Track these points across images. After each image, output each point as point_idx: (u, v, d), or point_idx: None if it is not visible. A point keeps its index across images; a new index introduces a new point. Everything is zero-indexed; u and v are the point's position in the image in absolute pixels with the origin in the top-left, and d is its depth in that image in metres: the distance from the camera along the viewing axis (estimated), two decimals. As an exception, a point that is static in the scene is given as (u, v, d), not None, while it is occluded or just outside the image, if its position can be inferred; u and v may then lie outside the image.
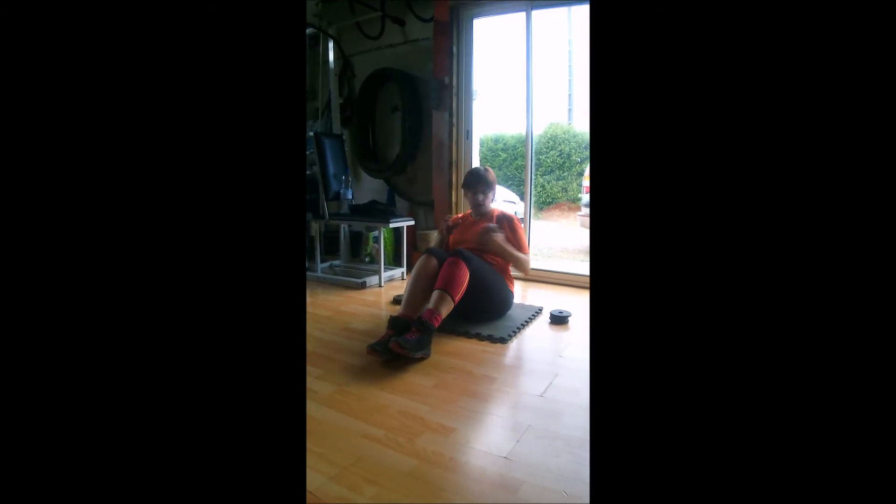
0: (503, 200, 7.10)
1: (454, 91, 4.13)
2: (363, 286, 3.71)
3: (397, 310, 2.49)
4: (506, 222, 2.88)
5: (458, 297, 2.40)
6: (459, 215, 3.16)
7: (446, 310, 2.36)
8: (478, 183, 2.92)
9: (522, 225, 2.92)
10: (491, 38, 8.01)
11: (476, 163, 4.29)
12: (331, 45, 4.65)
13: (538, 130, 10.98)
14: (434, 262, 2.54)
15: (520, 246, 2.83)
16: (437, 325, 2.29)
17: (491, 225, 2.77)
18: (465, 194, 3.02)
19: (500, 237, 2.73)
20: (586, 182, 5.77)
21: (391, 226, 3.78)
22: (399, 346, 2.08)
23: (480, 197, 2.93)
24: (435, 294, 2.38)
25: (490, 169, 2.98)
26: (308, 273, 4.04)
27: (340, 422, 1.66)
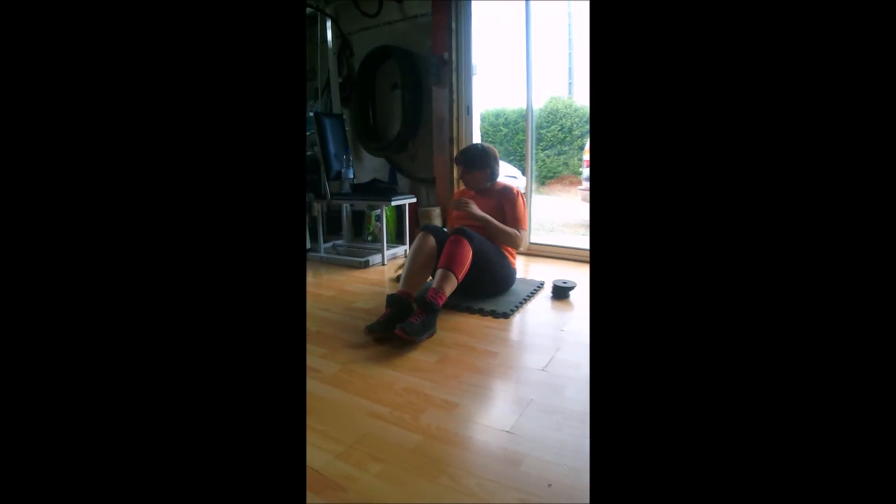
0: (505, 175, 7.10)
1: (454, 67, 4.10)
2: (366, 265, 3.73)
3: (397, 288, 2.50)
4: (504, 196, 2.86)
5: (461, 276, 2.41)
6: (462, 188, 3.15)
7: (450, 288, 2.36)
8: (465, 162, 2.90)
9: (524, 199, 2.92)
10: (490, 13, 7.92)
11: (477, 138, 4.29)
12: (329, 24, 4.60)
13: (539, 104, 10.90)
14: (431, 239, 2.55)
15: (514, 220, 2.79)
16: (441, 303, 2.29)
17: (462, 199, 2.76)
18: (464, 174, 2.98)
19: (472, 209, 2.71)
20: (587, 156, 5.74)
21: (393, 204, 3.78)
22: (404, 333, 2.08)
23: (467, 177, 2.92)
24: (438, 273, 2.38)
25: (487, 145, 2.95)
26: (311, 253, 4.06)
27: (345, 400, 1.68)
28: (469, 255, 2.44)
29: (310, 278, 3.43)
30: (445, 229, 2.77)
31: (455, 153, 4.13)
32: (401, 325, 2.11)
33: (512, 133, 10.93)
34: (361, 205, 4.45)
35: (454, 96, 4.14)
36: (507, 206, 2.83)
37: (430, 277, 2.50)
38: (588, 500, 0.89)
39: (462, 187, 3.16)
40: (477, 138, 4.28)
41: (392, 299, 2.33)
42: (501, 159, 3.00)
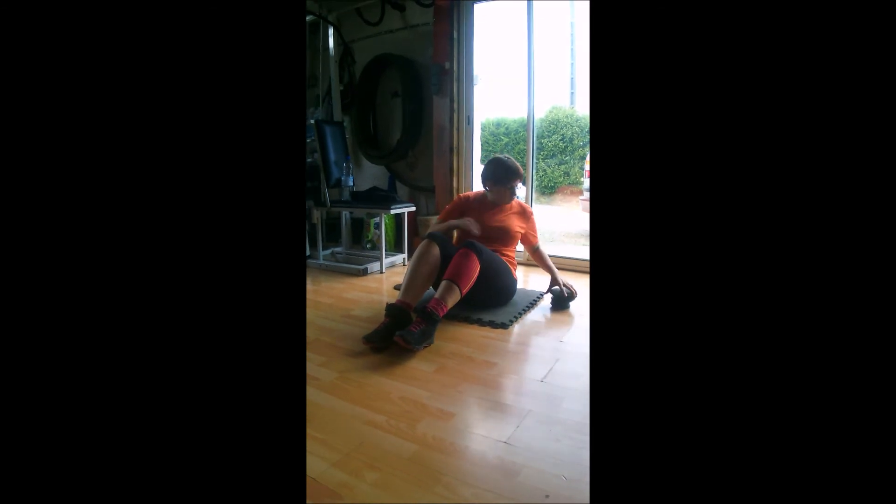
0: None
1: (455, 76, 4.11)
2: (365, 273, 3.72)
3: (396, 296, 2.48)
4: (524, 215, 3.01)
5: (466, 290, 2.38)
6: (469, 194, 3.12)
7: (453, 301, 2.33)
8: (515, 176, 2.92)
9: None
10: (492, 23, 7.94)
11: (477, 148, 4.31)
12: (331, 31, 4.62)
13: (540, 114, 10.95)
14: (436, 249, 2.50)
15: (536, 238, 3.04)
16: (442, 315, 2.27)
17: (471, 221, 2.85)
18: (494, 187, 2.94)
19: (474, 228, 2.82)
20: (588, 166, 5.76)
21: (392, 212, 3.78)
22: (404, 341, 2.06)
23: (497, 189, 2.93)
24: (443, 284, 2.35)
25: (511, 157, 2.98)
26: (310, 260, 4.06)
27: (342, 408, 1.67)
28: (476, 269, 2.42)
29: (308, 285, 3.42)
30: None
31: (454, 163, 4.17)
32: (400, 332, 2.09)
33: (513, 143, 10.97)
34: (361, 212, 4.46)
35: (455, 105, 4.15)
36: (529, 224, 2.99)
37: (432, 288, 2.48)
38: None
39: (475, 191, 3.16)
40: (477, 148, 4.30)
41: (391, 309, 2.30)
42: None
